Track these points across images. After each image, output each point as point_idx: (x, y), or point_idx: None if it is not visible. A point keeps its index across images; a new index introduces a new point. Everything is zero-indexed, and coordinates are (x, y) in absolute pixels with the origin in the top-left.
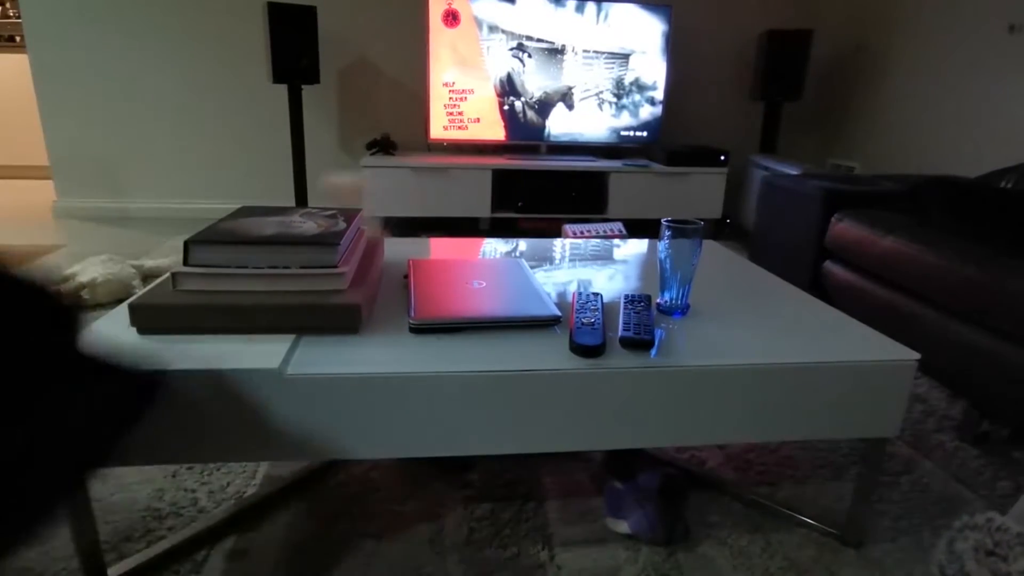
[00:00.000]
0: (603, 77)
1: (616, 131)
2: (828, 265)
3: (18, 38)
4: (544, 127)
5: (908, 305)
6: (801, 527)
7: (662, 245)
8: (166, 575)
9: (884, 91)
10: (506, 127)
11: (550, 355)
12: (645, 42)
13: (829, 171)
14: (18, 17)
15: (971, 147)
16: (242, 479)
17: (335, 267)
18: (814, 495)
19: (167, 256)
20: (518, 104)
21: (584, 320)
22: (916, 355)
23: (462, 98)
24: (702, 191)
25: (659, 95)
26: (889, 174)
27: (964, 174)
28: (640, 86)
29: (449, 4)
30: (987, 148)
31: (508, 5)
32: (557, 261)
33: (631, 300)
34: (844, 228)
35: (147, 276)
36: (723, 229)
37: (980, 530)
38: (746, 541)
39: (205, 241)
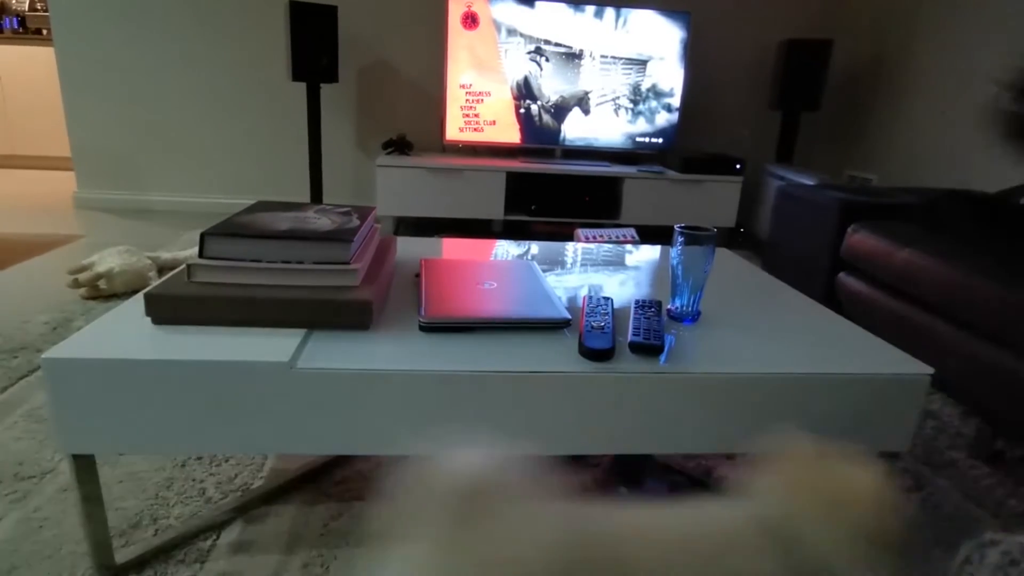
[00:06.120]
0: (620, 83)
1: (632, 137)
2: (843, 277)
3: (45, 31)
4: (560, 131)
5: (923, 319)
6: None
7: (674, 251)
8: (172, 563)
9: (903, 103)
10: (522, 130)
11: (559, 358)
12: (663, 48)
13: (846, 182)
14: (46, 11)
15: (990, 161)
16: (249, 471)
17: (348, 263)
18: None
19: (183, 248)
20: (534, 108)
21: (594, 324)
22: (930, 369)
23: (479, 100)
24: (716, 199)
25: (676, 102)
26: (907, 187)
27: (982, 189)
28: (657, 92)
29: (468, 7)
30: (1006, 163)
31: (527, 9)
32: (568, 265)
33: (642, 305)
34: (860, 239)
35: (163, 268)
36: (736, 238)
37: (1008, 542)
38: None
39: (221, 234)
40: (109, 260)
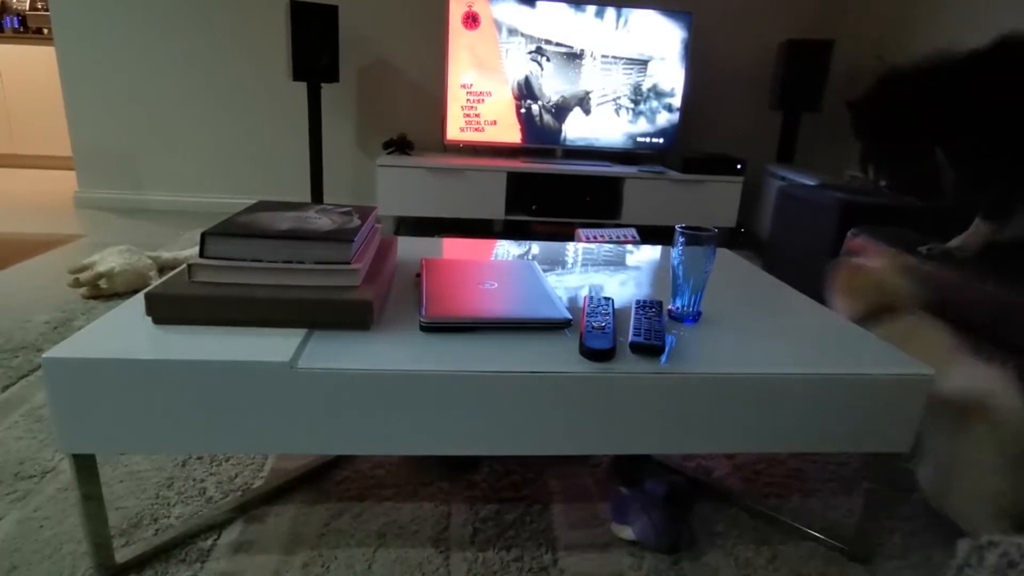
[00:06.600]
0: (621, 82)
1: (632, 137)
2: None
3: (46, 31)
4: (560, 131)
5: None
6: (808, 540)
7: (675, 252)
8: (173, 563)
9: None
10: (522, 130)
11: (560, 358)
12: (664, 49)
13: (847, 183)
14: (47, 10)
15: None
16: (250, 471)
17: (348, 263)
18: (822, 508)
19: (184, 248)
20: (535, 108)
21: (595, 324)
22: (931, 370)
23: (479, 100)
24: (717, 199)
25: (676, 102)
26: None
27: None
28: (658, 92)
29: (469, 7)
30: None
31: (528, 9)
32: (569, 265)
33: (643, 306)
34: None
35: (164, 267)
36: (737, 238)
37: (1007, 544)
38: (751, 552)
39: (221, 234)
40: (110, 260)
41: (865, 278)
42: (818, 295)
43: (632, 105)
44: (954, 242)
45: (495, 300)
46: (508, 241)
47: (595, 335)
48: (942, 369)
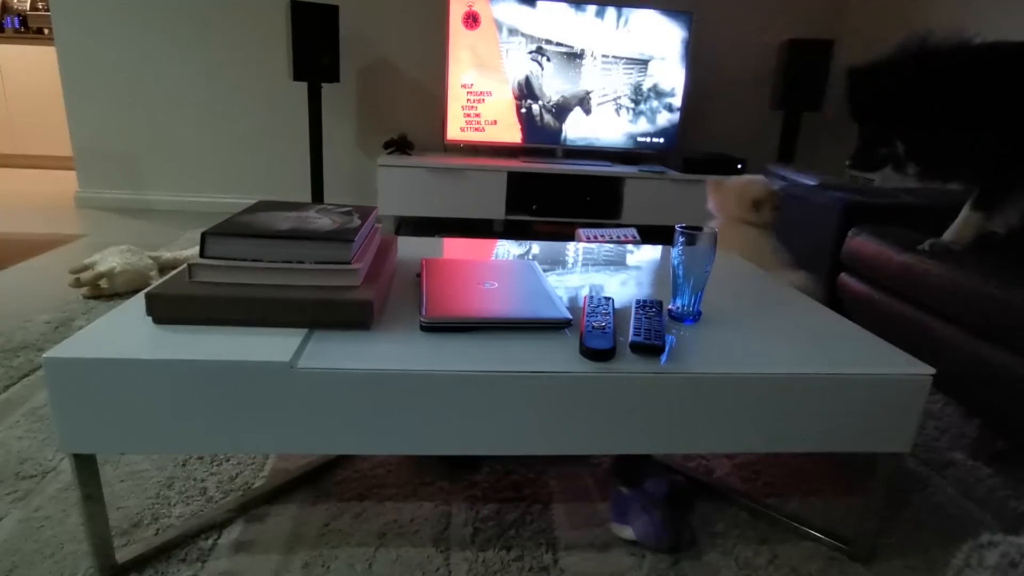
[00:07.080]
0: (621, 82)
1: (633, 137)
2: (844, 277)
3: (47, 31)
4: (561, 131)
5: (925, 321)
6: (809, 540)
7: (675, 251)
8: (173, 562)
9: None
10: (523, 130)
11: (560, 358)
12: (665, 48)
13: (847, 182)
14: (47, 10)
15: None
16: (250, 471)
17: (349, 263)
18: (823, 508)
19: (184, 248)
20: (535, 107)
21: (595, 324)
22: (931, 370)
23: (480, 100)
24: None
25: (677, 102)
26: (909, 187)
27: None
28: (658, 92)
29: (470, 6)
30: None
31: (528, 8)
32: (570, 265)
33: (643, 305)
34: (860, 243)
35: (164, 267)
36: None
37: (1007, 544)
38: (752, 552)
39: (222, 234)
40: (110, 259)
41: (729, 190)
42: (819, 294)
43: (632, 105)
44: (947, 235)
45: (495, 300)
46: (508, 241)
47: (595, 335)
48: (765, 267)
